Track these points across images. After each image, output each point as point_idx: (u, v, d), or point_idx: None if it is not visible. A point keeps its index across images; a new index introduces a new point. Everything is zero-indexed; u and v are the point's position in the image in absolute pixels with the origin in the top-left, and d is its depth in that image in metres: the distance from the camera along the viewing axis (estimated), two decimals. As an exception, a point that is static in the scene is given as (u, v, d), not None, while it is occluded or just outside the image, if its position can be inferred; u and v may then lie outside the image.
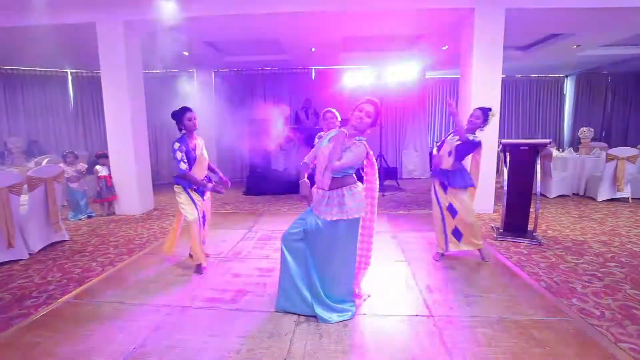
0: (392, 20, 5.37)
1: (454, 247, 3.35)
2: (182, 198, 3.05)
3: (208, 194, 3.26)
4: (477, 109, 3.23)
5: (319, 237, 2.27)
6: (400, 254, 3.55)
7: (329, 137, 2.30)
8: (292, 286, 2.37)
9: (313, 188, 2.36)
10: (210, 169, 3.27)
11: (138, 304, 2.59)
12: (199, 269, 3.15)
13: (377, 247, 3.69)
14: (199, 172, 3.06)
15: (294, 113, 8.43)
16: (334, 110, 3.55)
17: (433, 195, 3.37)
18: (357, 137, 2.24)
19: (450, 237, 3.34)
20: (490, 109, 3.20)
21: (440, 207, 3.32)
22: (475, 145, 3.13)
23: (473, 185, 3.28)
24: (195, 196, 3.07)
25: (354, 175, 2.32)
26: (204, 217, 3.21)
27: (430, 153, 9.45)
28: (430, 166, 9.33)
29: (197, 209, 3.05)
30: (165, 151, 9.02)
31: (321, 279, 2.33)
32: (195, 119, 3.03)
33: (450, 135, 3.26)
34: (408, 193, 7.04)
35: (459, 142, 3.13)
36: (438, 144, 3.42)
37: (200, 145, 3.11)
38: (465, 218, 3.21)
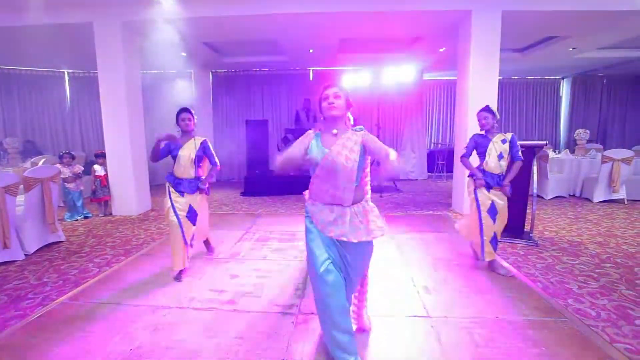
0: (389, 22, 5.39)
1: (489, 257, 3.12)
2: (166, 201, 3.02)
3: (197, 196, 3.11)
4: (482, 110, 3.15)
5: (347, 262, 1.84)
6: (398, 255, 3.56)
7: (318, 144, 1.83)
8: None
9: (315, 206, 1.86)
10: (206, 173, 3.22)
11: (135, 305, 2.58)
12: (178, 276, 3.02)
13: (375, 248, 3.73)
14: (180, 172, 3.02)
15: (294, 113, 8.45)
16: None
17: (472, 198, 3.20)
18: (355, 128, 1.86)
19: (488, 247, 3.11)
20: (488, 105, 3.18)
21: (479, 210, 3.12)
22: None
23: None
24: (174, 195, 3.00)
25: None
26: (192, 213, 3.06)
27: (435, 153, 9.46)
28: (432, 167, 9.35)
29: (174, 211, 2.96)
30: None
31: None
32: (187, 120, 3.04)
33: (497, 141, 3.11)
34: (405, 194, 7.05)
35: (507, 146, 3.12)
36: (466, 146, 3.29)
37: (190, 146, 3.04)
38: (502, 213, 3.12)
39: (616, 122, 9.82)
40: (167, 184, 3.04)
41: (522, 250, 3.70)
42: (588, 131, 7.02)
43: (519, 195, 3.98)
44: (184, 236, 2.97)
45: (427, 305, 2.53)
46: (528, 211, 4.06)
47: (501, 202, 3.13)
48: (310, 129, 1.97)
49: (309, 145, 1.84)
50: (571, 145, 8.95)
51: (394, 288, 2.83)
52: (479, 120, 3.19)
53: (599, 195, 5.89)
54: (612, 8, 4.78)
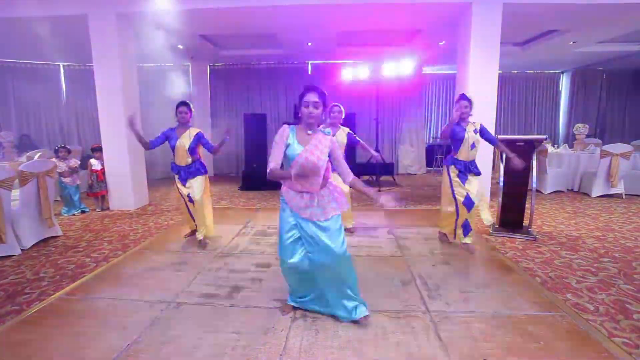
0: (388, 15, 5.33)
1: (458, 239, 3.51)
2: (175, 189, 3.68)
3: (197, 180, 3.55)
4: (463, 99, 3.29)
5: (313, 238, 2.11)
6: (397, 250, 3.56)
7: (294, 140, 2.08)
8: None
9: (288, 193, 2.15)
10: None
11: (132, 300, 2.57)
12: (188, 234, 3.94)
13: (373, 243, 3.73)
14: (178, 160, 3.51)
15: (292, 107, 8.39)
16: (340, 106, 3.68)
17: (448, 188, 3.44)
18: (324, 131, 2.17)
19: (459, 230, 3.47)
20: (465, 94, 3.36)
21: (456, 201, 3.39)
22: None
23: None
24: (179, 185, 3.60)
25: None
26: (189, 198, 3.60)
27: (434, 147, 9.43)
28: (429, 160, 9.34)
29: (180, 192, 3.63)
30: (160, 146, 8.93)
31: (336, 275, 2.19)
32: (184, 113, 3.44)
33: (470, 131, 3.31)
34: (404, 188, 7.04)
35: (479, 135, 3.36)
36: (443, 129, 3.44)
37: (186, 136, 3.46)
38: (476, 202, 3.36)
39: (615, 117, 9.81)
40: (175, 175, 3.58)
41: (521, 244, 3.70)
42: (587, 126, 7.00)
43: (518, 189, 3.98)
44: (189, 212, 3.70)
45: (426, 300, 2.52)
46: (527, 206, 4.05)
47: (474, 191, 3.36)
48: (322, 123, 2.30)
49: (287, 140, 2.09)
50: (570, 139, 8.95)
51: (393, 283, 2.81)
52: (459, 109, 3.30)
53: (597, 190, 5.89)
54: (613, 1, 4.74)
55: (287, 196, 2.18)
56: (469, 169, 3.36)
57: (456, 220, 3.46)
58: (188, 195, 3.58)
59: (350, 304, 2.24)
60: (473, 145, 3.32)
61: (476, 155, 3.39)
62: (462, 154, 3.35)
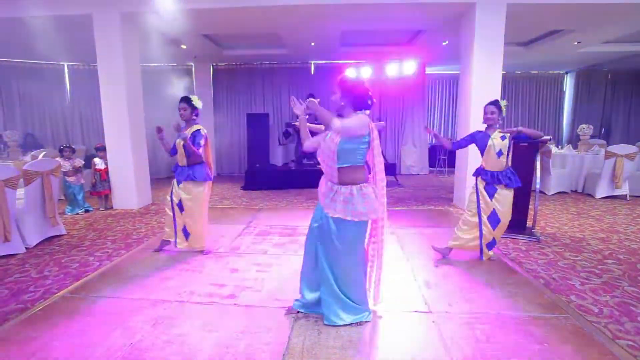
0: (391, 14, 5.32)
1: (485, 257, 3.25)
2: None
3: (194, 185, 3.27)
4: (489, 104, 3.13)
5: (325, 231, 2.13)
6: (399, 250, 3.55)
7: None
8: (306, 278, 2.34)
9: (322, 179, 2.23)
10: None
11: (135, 299, 2.58)
12: (159, 246, 3.54)
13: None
14: (179, 158, 3.33)
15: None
16: None
17: (474, 202, 3.21)
18: (357, 112, 2.11)
19: (484, 248, 3.22)
20: (497, 100, 3.15)
21: (480, 217, 3.17)
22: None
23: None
24: (175, 182, 3.35)
25: (365, 168, 2.14)
26: (179, 205, 3.32)
27: (437, 148, 9.40)
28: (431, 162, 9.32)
29: (171, 193, 3.36)
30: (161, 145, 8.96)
31: (335, 275, 2.19)
32: (183, 110, 3.25)
33: (496, 137, 3.09)
34: (407, 189, 7.03)
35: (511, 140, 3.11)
36: (457, 140, 3.31)
37: (187, 133, 3.22)
38: (504, 220, 3.16)
39: (620, 118, 9.74)
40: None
41: (524, 245, 3.68)
42: (591, 126, 6.96)
43: (522, 190, 3.95)
44: (174, 217, 3.36)
45: (429, 301, 2.52)
46: (530, 207, 4.03)
47: (503, 209, 3.13)
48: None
49: None
50: (574, 140, 8.89)
51: (395, 283, 2.81)
52: (484, 114, 3.16)
53: (601, 191, 5.86)
54: (618, 1, 4.70)
55: (320, 182, 2.25)
56: (497, 180, 3.09)
57: (480, 238, 3.18)
58: (179, 201, 3.29)
59: (338, 308, 2.19)
60: (500, 153, 3.06)
61: (506, 165, 3.12)
62: (488, 163, 3.14)
